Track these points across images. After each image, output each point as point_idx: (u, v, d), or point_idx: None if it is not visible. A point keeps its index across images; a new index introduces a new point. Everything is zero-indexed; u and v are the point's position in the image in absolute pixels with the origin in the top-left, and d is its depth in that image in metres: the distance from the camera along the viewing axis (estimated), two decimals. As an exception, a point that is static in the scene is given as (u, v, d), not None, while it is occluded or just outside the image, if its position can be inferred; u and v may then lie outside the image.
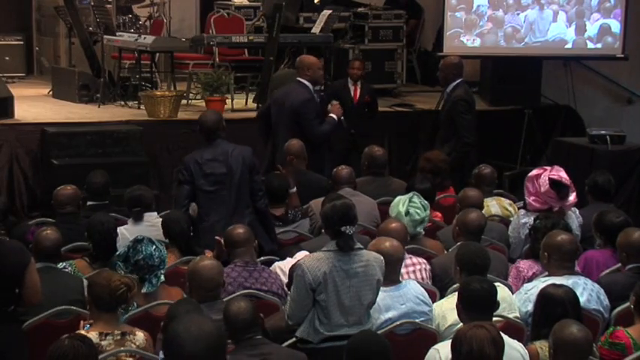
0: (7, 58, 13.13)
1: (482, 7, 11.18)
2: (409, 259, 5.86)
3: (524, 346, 4.69)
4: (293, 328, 5.05)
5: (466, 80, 9.26)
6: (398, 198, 6.48)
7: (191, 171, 6.66)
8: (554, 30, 11.19)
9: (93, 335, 4.62)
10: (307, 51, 11.46)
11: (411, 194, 6.48)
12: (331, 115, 8.48)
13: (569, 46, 11.24)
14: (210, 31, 12.00)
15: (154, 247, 5.29)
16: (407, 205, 6.35)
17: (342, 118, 8.60)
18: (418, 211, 6.34)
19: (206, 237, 6.43)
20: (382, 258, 5.13)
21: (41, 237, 5.53)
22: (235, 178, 6.67)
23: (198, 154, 6.77)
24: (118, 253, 5.26)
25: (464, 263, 5.33)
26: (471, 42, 11.19)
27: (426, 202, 6.46)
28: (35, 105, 10.66)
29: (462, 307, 4.65)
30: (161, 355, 4.20)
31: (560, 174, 6.66)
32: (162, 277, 5.31)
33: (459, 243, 6.06)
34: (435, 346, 4.53)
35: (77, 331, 4.60)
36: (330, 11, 11.39)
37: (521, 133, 10.75)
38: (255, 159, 6.88)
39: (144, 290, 5.21)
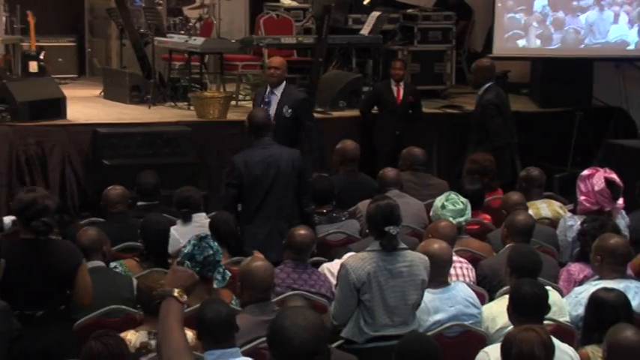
0: (60, 60, 13.29)
1: (543, 9, 11.08)
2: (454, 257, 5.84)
3: (575, 350, 4.64)
4: (338, 328, 5.05)
5: (515, 82, 9.21)
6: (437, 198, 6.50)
7: (240, 172, 6.66)
8: (616, 31, 11.07)
9: (142, 334, 4.66)
10: (356, 52, 11.48)
11: (448, 192, 6.49)
12: None
13: (631, 47, 11.10)
14: (260, 33, 12.04)
15: (217, 242, 5.30)
16: (443, 200, 6.38)
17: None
18: (455, 203, 6.33)
19: (252, 239, 6.44)
20: (427, 258, 5.13)
21: (80, 235, 5.56)
22: (284, 180, 6.67)
23: (247, 154, 6.77)
24: (184, 252, 5.25)
25: (515, 265, 5.29)
26: (530, 44, 11.10)
27: (465, 198, 6.45)
28: (87, 106, 10.77)
29: (512, 310, 4.62)
30: (207, 355, 4.21)
31: (612, 175, 6.60)
32: (228, 273, 5.29)
33: (508, 245, 6.02)
34: (485, 349, 4.50)
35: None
36: (380, 12, 11.39)
37: (572, 135, 10.66)
38: (303, 162, 6.88)
39: (215, 286, 5.21)
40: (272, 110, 8.28)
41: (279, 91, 8.40)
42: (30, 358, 4.58)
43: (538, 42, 11.12)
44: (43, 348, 4.68)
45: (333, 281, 5.66)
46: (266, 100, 8.40)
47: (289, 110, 8.25)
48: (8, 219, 6.61)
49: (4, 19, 12.86)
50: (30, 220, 4.77)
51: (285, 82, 8.51)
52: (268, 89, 8.47)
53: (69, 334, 4.88)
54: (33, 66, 12.13)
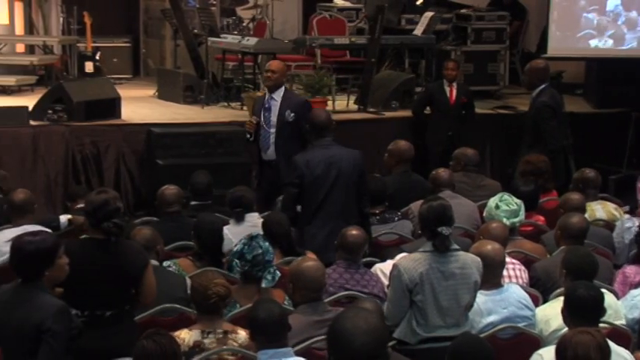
0: (115, 60, 13.43)
1: (616, 8, 10.96)
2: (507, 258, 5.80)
3: (631, 353, 4.59)
4: (391, 329, 5.04)
5: (570, 82, 9.12)
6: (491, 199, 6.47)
7: (302, 172, 6.59)
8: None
9: (196, 333, 4.69)
10: (409, 52, 11.45)
11: (502, 193, 6.44)
12: None
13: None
14: (313, 33, 12.07)
15: (268, 242, 5.31)
16: (497, 201, 6.35)
17: (249, 135, 8.32)
18: (509, 204, 6.29)
19: (311, 240, 6.42)
20: (479, 259, 5.10)
21: (134, 234, 5.60)
22: (345, 181, 6.59)
23: (308, 154, 6.71)
24: (234, 250, 5.28)
25: (571, 268, 5.24)
26: (602, 44, 10.98)
27: (518, 199, 6.41)
28: (141, 106, 10.87)
29: (567, 313, 4.58)
30: (260, 354, 4.23)
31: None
32: (278, 273, 5.30)
33: (562, 247, 5.97)
34: (539, 352, 4.47)
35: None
36: (433, 13, 11.36)
37: (628, 137, 10.52)
38: (363, 162, 6.85)
39: (263, 285, 5.23)
40: (274, 116, 8.07)
41: (278, 96, 8.11)
42: (97, 357, 4.64)
43: (610, 42, 10.97)
44: (111, 348, 4.72)
45: (386, 282, 5.65)
46: (266, 106, 8.14)
47: (292, 114, 8.01)
48: (64, 218, 6.70)
49: (61, 20, 13.04)
50: (101, 222, 4.82)
51: (283, 86, 8.25)
52: (267, 95, 8.20)
53: (134, 333, 4.91)
54: (89, 66, 12.29)
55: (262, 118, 8.14)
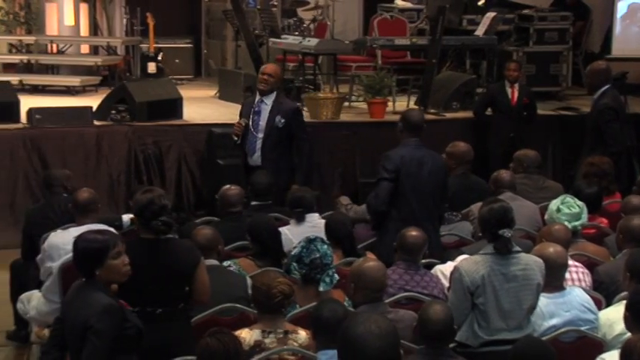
0: (177, 61, 13.57)
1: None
2: (569, 261, 5.74)
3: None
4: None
5: (635, 83, 8.99)
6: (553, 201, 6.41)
7: (398, 166, 6.39)
8: None
9: (256, 332, 4.70)
10: (470, 53, 11.38)
11: (564, 195, 6.37)
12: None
13: None
14: (374, 34, 12.07)
15: (327, 245, 5.31)
16: (559, 204, 6.28)
17: (236, 138, 7.94)
18: (571, 206, 6.21)
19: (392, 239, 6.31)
20: (542, 261, 5.06)
21: (194, 235, 5.63)
22: (434, 182, 6.48)
23: (403, 150, 6.50)
24: (292, 254, 5.29)
25: (634, 271, 5.16)
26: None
27: (581, 202, 6.33)
28: (203, 106, 10.96)
29: (630, 317, 4.51)
30: (321, 354, 4.24)
31: None
32: (337, 277, 5.28)
33: (624, 250, 5.89)
34: (602, 356, 4.42)
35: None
36: (495, 13, 11.28)
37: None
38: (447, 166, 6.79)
39: (321, 289, 5.22)
40: (263, 120, 7.80)
41: (269, 100, 7.83)
42: (149, 354, 4.66)
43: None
44: (161, 344, 4.74)
45: (446, 283, 5.63)
46: (256, 109, 7.84)
47: (282, 120, 7.78)
48: (127, 217, 6.77)
49: (124, 21, 13.21)
50: (149, 221, 4.86)
51: (276, 91, 7.93)
52: (258, 98, 7.89)
53: (187, 331, 4.95)
54: (151, 67, 12.43)
55: (250, 122, 7.85)
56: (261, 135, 7.83)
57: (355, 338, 3.16)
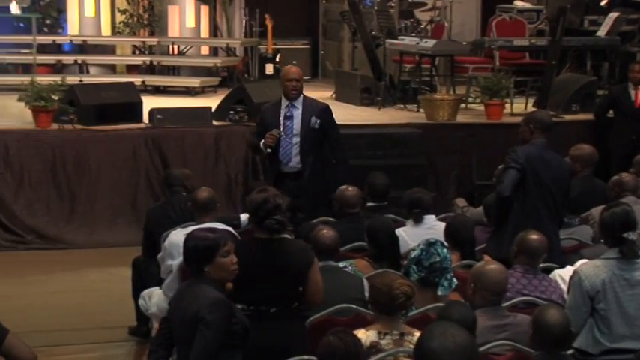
0: (294, 62, 13.66)
1: None
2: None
3: None
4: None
5: None
6: None
7: (526, 160, 6.24)
8: None
9: (372, 333, 4.70)
10: (591, 55, 11.16)
11: None
12: (263, 141, 7.71)
13: None
14: (491, 35, 11.96)
15: (446, 249, 5.29)
16: None
17: (269, 150, 7.68)
18: None
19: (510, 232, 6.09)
20: (669, 267, 4.92)
21: (319, 235, 5.66)
22: (559, 185, 6.37)
23: (530, 149, 6.37)
24: (411, 256, 5.28)
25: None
26: None
27: None
28: (319, 107, 11.01)
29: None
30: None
31: None
32: (455, 280, 5.26)
33: None
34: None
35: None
36: (618, 14, 11.05)
37: None
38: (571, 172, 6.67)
39: (439, 292, 5.20)
40: (296, 124, 7.63)
41: (299, 103, 7.66)
42: (262, 353, 4.71)
43: None
44: (275, 343, 4.78)
45: (564, 288, 5.53)
46: (287, 114, 7.64)
47: (317, 121, 7.64)
48: (245, 216, 6.84)
49: (243, 22, 13.40)
50: (263, 220, 4.90)
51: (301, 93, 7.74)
52: (286, 103, 7.67)
53: (300, 331, 4.98)
54: (269, 68, 12.59)
55: (282, 129, 7.67)
56: (296, 140, 7.66)
57: (429, 353, 3.13)
